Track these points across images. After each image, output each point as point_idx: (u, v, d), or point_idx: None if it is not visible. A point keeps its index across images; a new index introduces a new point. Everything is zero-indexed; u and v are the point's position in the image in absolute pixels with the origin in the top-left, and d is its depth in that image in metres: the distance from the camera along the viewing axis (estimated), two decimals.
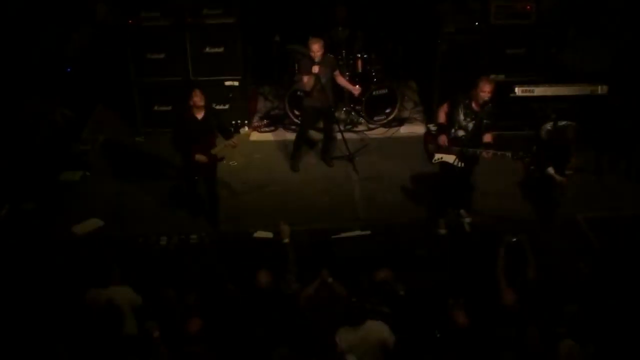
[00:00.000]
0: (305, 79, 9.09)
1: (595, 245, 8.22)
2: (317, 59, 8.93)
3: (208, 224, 8.63)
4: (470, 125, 7.94)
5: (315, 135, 10.16)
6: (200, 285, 6.83)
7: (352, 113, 10.73)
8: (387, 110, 10.68)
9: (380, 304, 6.50)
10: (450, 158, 8.10)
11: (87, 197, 9.17)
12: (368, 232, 8.30)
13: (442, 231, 8.51)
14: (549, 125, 8.70)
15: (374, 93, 10.48)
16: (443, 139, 8.06)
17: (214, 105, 8.70)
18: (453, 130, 8.06)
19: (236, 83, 10.28)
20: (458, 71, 9.92)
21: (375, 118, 10.66)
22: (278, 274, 6.80)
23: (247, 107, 10.70)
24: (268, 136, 10.57)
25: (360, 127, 10.69)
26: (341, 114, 10.65)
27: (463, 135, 8.01)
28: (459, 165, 8.07)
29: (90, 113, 10.68)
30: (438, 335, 6.30)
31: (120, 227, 8.56)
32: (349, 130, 10.52)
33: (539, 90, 9.70)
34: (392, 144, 10.36)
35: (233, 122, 10.11)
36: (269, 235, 8.29)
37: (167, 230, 8.46)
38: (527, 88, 9.87)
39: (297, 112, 10.39)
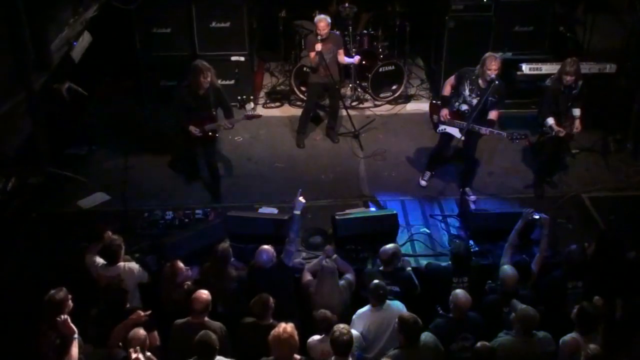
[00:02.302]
0: (311, 55, 9.06)
1: (600, 224, 8.21)
2: (322, 37, 8.89)
3: (211, 197, 8.67)
4: (474, 101, 7.96)
5: (321, 111, 10.13)
6: (204, 259, 6.85)
7: (358, 90, 10.69)
8: (394, 87, 10.64)
9: (391, 284, 6.51)
10: (453, 130, 8.19)
11: (93, 171, 9.18)
12: (372, 209, 8.30)
13: (423, 182, 8.84)
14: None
15: (380, 70, 10.43)
16: (445, 113, 8.18)
17: (219, 81, 8.65)
18: (457, 104, 8.07)
19: (242, 58, 10.24)
20: (465, 48, 9.86)
21: (382, 95, 10.62)
22: (281, 248, 6.82)
23: (253, 83, 10.67)
24: (273, 112, 10.55)
25: (366, 104, 10.65)
26: (347, 91, 10.62)
27: (466, 110, 8.01)
28: (461, 138, 8.15)
29: (96, 88, 10.66)
30: (440, 312, 6.32)
31: (125, 201, 8.57)
32: (355, 107, 10.49)
33: (546, 68, 9.62)
34: (397, 121, 10.33)
35: (239, 97, 10.15)
36: (274, 210, 8.32)
37: (173, 205, 8.48)
38: (535, 66, 9.79)
39: (303, 88, 10.35)
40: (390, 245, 6.71)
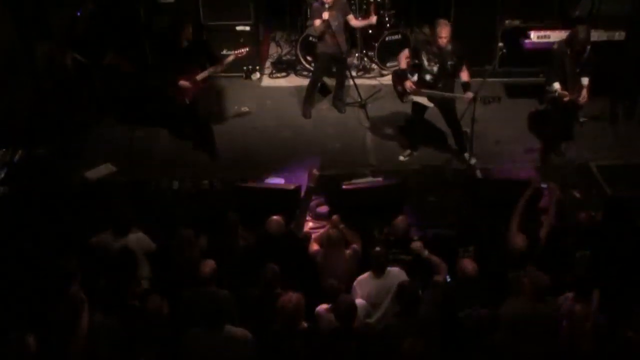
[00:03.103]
0: (316, 23, 8.99)
1: (607, 192, 8.18)
2: (328, 4, 8.82)
3: (208, 156, 8.77)
4: (435, 68, 7.95)
5: (328, 81, 10.07)
6: (212, 229, 6.86)
7: (365, 59, 10.61)
8: (418, 62, 10.50)
9: (401, 253, 6.52)
10: (421, 99, 8.21)
11: (99, 142, 9.17)
12: (380, 179, 8.29)
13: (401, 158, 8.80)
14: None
15: (386, 39, 10.34)
16: (409, 84, 8.19)
17: (224, 51, 8.62)
18: (420, 75, 8.16)
19: (247, 28, 10.17)
20: (473, 16, 9.76)
21: (388, 64, 10.53)
22: (290, 219, 6.83)
23: (259, 53, 10.61)
24: (280, 82, 10.51)
25: (373, 73, 10.58)
26: (354, 60, 10.54)
27: (430, 79, 8.05)
28: (431, 105, 8.20)
29: (100, 58, 10.60)
30: (447, 280, 6.34)
31: (132, 172, 8.59)
32: (362, 77, 10.43)
33: (554, 36, 9.52)
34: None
35: (244, 67, 10.10)
36: (281, 180, 8.32)
37: (179, 175, 8.49)
38: (543, 33, 9.69)
39: (309, 58, 10.29)
40: (401, 216, 6.70)
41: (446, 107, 8.37)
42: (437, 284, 6.12)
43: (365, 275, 6.19)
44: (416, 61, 8.19)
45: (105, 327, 5.56)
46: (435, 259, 6.42)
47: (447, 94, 8.13)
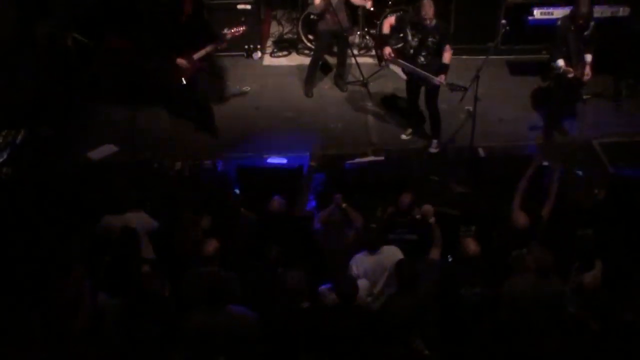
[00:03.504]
0: (317, 1, 8.94)
1: (610, 170, 8.17)
2: None
3: (208, 133, 8.78)
4: (416, 42, 7.98)
5: (330, 60, 10.03)
6: (214, 209, 6.87)
7: (367, 37, 10.55)
8: (402, 35, 10.46)
9: (406, 232, 6.53)
10: (397, 70, 8.23)
11: (101, 123, 9.16)
12: (382, 158, 8.28)
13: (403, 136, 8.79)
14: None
15: (388, 17, 10.25)
16: (388, 51, 8.17)
17: (225, 29, 8.58)
18: (402, 46, 8.14)
19: (249, 6, 10.10)
20: None
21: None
22: (292, 199, 6.84)
23: (260, 31, 10.54)
24: (281, 61, 10.46)
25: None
26: (356, 39, 10.48)
27: (411, 52, 8.06)
28: (405, 78, 8.19)
29: (101, 38, 10.57)
30: (450, 259, 6.35)
31: (134, 152, 8.59)
32: (364, 55, 10.38)
33: (558, 13, 9.45)
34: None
35: (246, 46, 10.06)
36: (283, 160, 8.32)
37: (182, 155, 8.49)
38: (546, 10, 9.62)
39: (310, 37, 10.24)
40: (406, 192, 6.70)
41: (431, 92, 8.26)
42: (433, 262, 6.10)
43: (361, 253, 6.19)
44: (400, 34, 8.18)
45: (110, 307, 5.60)
46: (437, 231, 6.37)
47: (420, 71, 7.99)
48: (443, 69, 8.01)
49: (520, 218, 6.26)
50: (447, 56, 7.98)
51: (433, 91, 8.26)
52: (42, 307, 5.68)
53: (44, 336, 5.42)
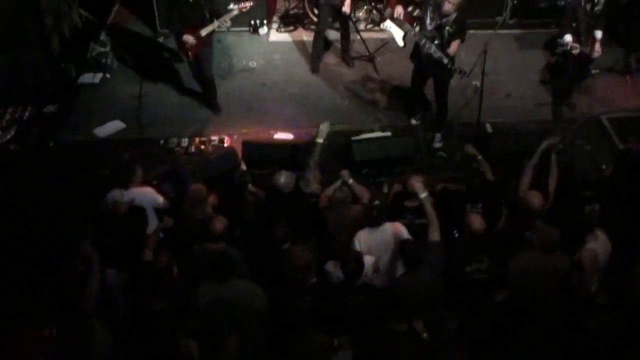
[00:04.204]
0: None
1: (618, 146, 8.13)
2: None
3: (209, 107, 8.79)
4: (432, 26, 7.65)
5: (335, 35, 9.96)
6: (221, 185, 6.88)
7: (373, 12, 10.46)
8: (409, 9, 10.39)
9: (418, 217, 6.50)
10: (397, 33, 7.88)
11: (108, 100, 9.16)
12: (388, 134, 8.26)
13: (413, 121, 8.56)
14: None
15: None
16: (399, 11, 7.84)
17: (230, 4, 8.52)
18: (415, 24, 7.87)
19: None
20: None
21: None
22: (298, 175, 6.83)
23: (267, 7, 10.46)
24: (287, 37, 10.40)
25: (381, 26, 10.43)
26: (362, 13, 10.41)
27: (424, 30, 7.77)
28: (402, 45, 7.90)
29: (107, 14, 10.53)
30: (456, 235, 6.34)
31: (141, 129, 8.59)
32: (371, 30, 10.30)
33: None
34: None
35: (252, 22, 10.00)
36: (289, 136, 8.31)
37: (188, 132, 8.49)
38: None
39: (316, 12, 10.15)
40: (417, 177, 6.62)
41: (440, 77, 8.04)
42: (434, 243, 6.05)
43: (364, 229, 6.18)
44: (420, 12, 7.99)
45: (118, 283, 5.63)
46: (429, 208, 6.16)
47: (429, 43, 7.63)
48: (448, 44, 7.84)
49: (535, 198, 6.20)
50: (453, 48, 7.70)
51: (443, 84, 8.08)
52: (50, 284, 5.71)
53: (53, 313, 5.45)
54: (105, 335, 5.15)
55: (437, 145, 8.35)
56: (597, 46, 7.93)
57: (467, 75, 7.87)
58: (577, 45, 7.87)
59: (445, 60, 7.62)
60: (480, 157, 6.69)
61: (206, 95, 8.83)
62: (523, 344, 5.33)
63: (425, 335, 5.21)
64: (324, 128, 7.10)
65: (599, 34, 7.93)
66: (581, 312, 5.65)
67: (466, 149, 6.67)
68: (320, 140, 6.98)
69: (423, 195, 6.21)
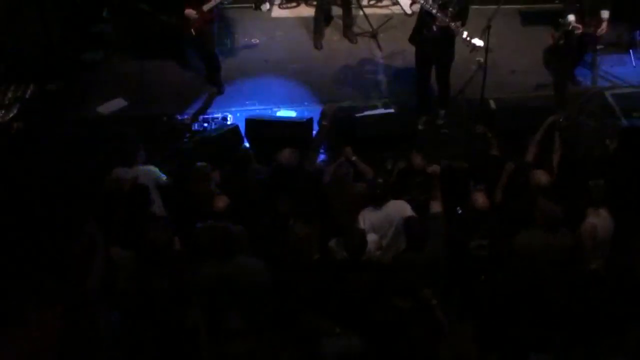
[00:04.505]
0: None
1: (623, 121, 8.10)
2: None
3: (212, 85, 8.75)
4: (438, 4, 7.43)
5: (338, 11, 9.90)
6: (224, 163, 6.88)
7: None
8: None
9: (420, 193, 6.51)
10: (404, 2, 7.74)
11: (110, 77, 9.13)
12: (391, 110, 8.23)
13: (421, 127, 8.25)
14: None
15: None
16: None
17: None
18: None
19: None
20: None
21: None
22: (302, 152, 6.82)
23: None
24: (290, 13, 10.33)
25: (385, 2, 10.37)
26: None
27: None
28: (410, 13, 7.66)
29: None
30: (460, 212, 6.35)
31: (144, 106, 8.58)
32: (374, 6, 10.23)
33: None
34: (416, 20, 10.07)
35: None
36: (292, 113, 8.29)
37: (192, 110, 8.47)
38: None
39: None
40: (417, 155, 6.63)
41: (444, 67, 7.93)
42: (436, 215, 6.07)
43: (369, 207, 6.19)
44: None
45: (122, 260, 5.65)
46: (436, 183, 6.26)
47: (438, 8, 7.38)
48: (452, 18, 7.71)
49: (542, 177, 6.18)
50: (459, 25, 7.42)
51: (445, 66, 7.96)
52: (56, 264, 5.74)
53: (59, 293, 5.49)
54: (111, 313, 5.18)
55: (441, 122, 8.30)
56: (604, 25, 7.84)
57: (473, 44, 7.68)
58: (579, 25, 7.80)
59: (453, 27, 7.36)
60: (490, 134, 6.67)
61: (209, 72, 8.80)
62: (526, 319, 5.35)
63: (434, 302, 5.23)
64: (328, 110, 7.07)
65: (605, 13, 7.84)
66: (583, 287, 5.67)
67: (477, 129, 6.65)
68: (324, 123, 6.96)
69: (431, 169, 6.30)
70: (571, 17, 7.83)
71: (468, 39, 7.35)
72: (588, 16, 7.90)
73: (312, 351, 4.82)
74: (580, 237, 5.77)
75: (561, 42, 8.26)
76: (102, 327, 5.11)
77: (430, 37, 7.53)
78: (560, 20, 8.05)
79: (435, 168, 6.43)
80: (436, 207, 6.11)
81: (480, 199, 5.95)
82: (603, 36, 8.38)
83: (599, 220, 5.86)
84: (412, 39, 7.90)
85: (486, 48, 8.02)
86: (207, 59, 8.68)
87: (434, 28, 7.45)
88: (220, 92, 8.76)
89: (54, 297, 5.52)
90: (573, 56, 8.43)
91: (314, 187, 6.73)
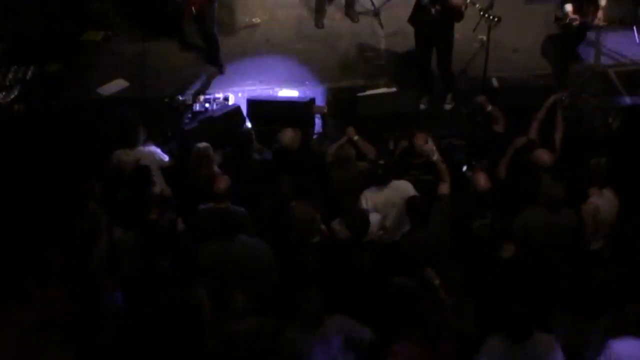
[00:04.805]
0: None
1: (626, 100, 8.07)
2: None
3: (212, 65, 8.73)
4: None
5: None
6: (225, 144, 6.87)
7: None
8: None
9: (422, 174, 6.49)
10: None
11: (110, 58, 9.10)
12: (394, 89, 8.20)
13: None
14: None
15: None
16: None
17: None
18: None
19: None
20: None
21: None
22: (304, 132, 6.81)
23: None
24: None
25: None
26: None
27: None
28: None
29: None
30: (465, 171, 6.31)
31: (145, 88, 8.55)
32: None
33: None
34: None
35: None
36: (294, 93, 8.27)
37: (192, 90, 8.45)
38: None
39: None
40: (421, 135, 6.57)
41: (446, 50, 7.85)
42: (444, 196, 6.07)
43: (371, 187, 6.17)
44: None
45: (124, 241, 5.67)
46: (442, 166, 6.23)
47: None
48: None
49: (545, 155, 6.15)
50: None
51: (446, 52, 7.87)
52: (59, 242, 5.76)
53: (62, 272, 5.51)
54: (113, 293, 5.21)
55: (448, 106, 8.24)
56: (601, 14, 7.77)
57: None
58: (576, 17, 7.74)
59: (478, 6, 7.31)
60: (490, 107, 6.65)
61: (209, 52, 8.76)
62: (527, 296, 5.36)
63: (437, 282, 5.24)
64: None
65: (603, 1, 7.77)
66: (586, 265, 5.67)
67: (477, 99, 6.63)
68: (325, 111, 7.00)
69: (435, 157, 6.25)
70: (568, 8, 7.78)
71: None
72: (586, 3, 7.83)
73: (314, 331, 4.83)
74: (582, 217, 5.75)
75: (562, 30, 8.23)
76: (105, 306, 5.12)
77: (430, 20, 7.48)
78: (556, 14, 7.96)
79: (429, 146, 6.37)
80: (444, 189, 6.07)
81: (481, 180, 5.91)
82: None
83: (601, 200, 5.85)
84: (411, 20, 7.84)
85: (489, 26, 7.98)
86: (207, 39, 8.64)
87: (433, 11, 7.40)
88: (221, 71, 8.73)
89: (57, 277, 5.54)
90: (574, 39, 8.37)
91: (316, 168, 6.72)
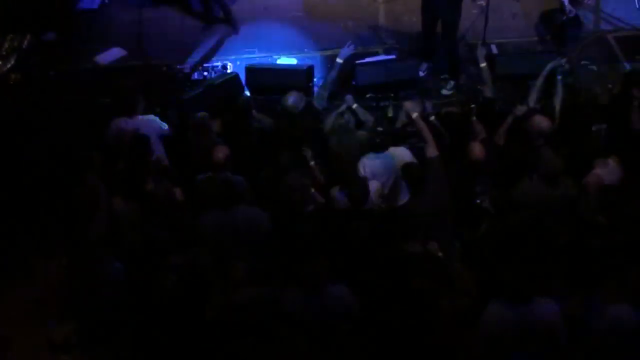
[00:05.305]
0: None
1: (625, 65, 8.03)
2: None
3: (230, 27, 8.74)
4: None
5: None
6: (224, 112, 6.85)
7: None
8: None
9: (419, 141, 6.46)
10: None
11: (107, 26, 9.03)
12: (393, 56, 8.16)
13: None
14: None
15: None
16: None
17: None
18: None
19: None
20: None
21: None
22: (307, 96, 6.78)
23: None
24: None
25: None
26: None
27: None
28: None
29: None
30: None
31: (142, 56, 8.51)
32: None
33: None
34: None
35: None
36: (293, 61, 8.22)
37: (191, 58, 8.39)
38: None
39: None
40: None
41: (450, 24, 7.74)
42: (431, 160, 5.91)
43: (369, 154, 6.17)
44: None
45: (124, 211, 5.68)
46: (422, 127, 6.04)
47: None
48: None
49: (543, 122, 6.11)
50: None
51: (451, 25, 7.75)
52: (59, 214, 5.77)
53: (63, 244, 5.53)
54: (114, 264, 5.23)
55: (447, 92, 8.07)
56: None
57: None
58: (573, 9, 7.67)
59: None
60: (483, 64, 6.59)
61: (224, 13, 8.73)
62: (526, 263, 5.39)
63: (440, 254, 5.27)
64: (347, 51, 7.00)
65: None
66: (585, 232, 5.69)
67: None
68: (340, 60, 6.91)
69: (414, 115, 6.10)
70: None
71: None
72: None
73: (314, 297, 4.87)
74: (586, 188, 5.75)
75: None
76: (105, 277, 5.15)
77: None
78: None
79: (416, 116, 6.25)
80: (431, 151, 5.89)
81: (476, 148, 5.89)
82: None
83: (605, 171, 5.83)
84: None
85: None
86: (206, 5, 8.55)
87: None
88: (235, 31, 8.73)
89: (58, 248, 5.56)
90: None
91: (320, 129, 6.69)
